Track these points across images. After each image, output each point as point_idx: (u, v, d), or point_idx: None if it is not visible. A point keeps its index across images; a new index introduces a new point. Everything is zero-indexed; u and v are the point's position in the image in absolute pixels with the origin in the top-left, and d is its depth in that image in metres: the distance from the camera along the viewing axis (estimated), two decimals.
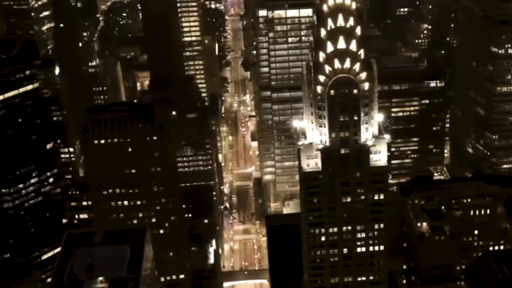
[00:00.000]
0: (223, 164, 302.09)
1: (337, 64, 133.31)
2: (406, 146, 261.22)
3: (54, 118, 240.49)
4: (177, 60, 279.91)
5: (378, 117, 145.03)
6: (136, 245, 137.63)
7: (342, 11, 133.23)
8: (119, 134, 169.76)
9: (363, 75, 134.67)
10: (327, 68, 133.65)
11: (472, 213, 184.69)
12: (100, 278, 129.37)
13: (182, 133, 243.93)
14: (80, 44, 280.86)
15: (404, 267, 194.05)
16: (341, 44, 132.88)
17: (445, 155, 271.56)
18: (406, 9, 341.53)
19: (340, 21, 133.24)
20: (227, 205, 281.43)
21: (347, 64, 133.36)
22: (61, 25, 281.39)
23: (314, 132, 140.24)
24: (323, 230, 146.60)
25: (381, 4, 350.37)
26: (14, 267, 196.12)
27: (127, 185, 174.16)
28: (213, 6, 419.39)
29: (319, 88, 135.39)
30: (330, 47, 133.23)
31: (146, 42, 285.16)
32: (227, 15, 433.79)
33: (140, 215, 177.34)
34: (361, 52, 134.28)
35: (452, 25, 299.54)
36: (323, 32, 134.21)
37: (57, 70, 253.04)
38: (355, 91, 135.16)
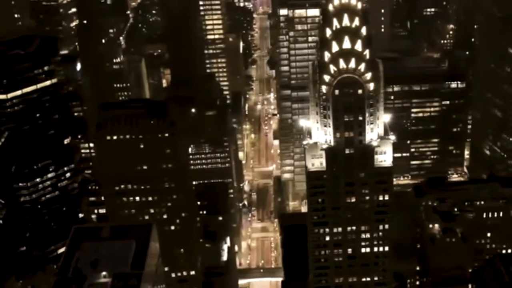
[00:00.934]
0: (244, 162, 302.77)
1: (342, 64, 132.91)
2: (426, 147, 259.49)
3: (75, 114, 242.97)
4: (198, 57, 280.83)
5: (385, 117, 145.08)
6: (142, 241, 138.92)
7: (347, 11, 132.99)
8: (131, 131, 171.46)
9: (368, 76, 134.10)
10: (332, 68, 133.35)
11: (485, 216, 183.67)
12: (104, 273, 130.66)
13: (200, 130, 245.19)
14: (103, 41, 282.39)
15: (418, 268, 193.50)
16: (346, 44, 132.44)
17: (466, 156, 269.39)
18: (432, 9, 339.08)
19: (346, 21, 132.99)
20: (245, 202, 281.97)
21: (352, 64, 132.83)
22: (85, 21, 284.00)
23: (319, 131, 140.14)
24: (327, 230, 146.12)
25: (407, 4, 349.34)
26: (29, 260, 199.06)
27: (139, 181, 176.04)
28: (241, 4, 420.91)
29: (324, 88, 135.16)
30: (335, 47, 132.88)
31: (167, 40, 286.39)
32: (255, 14, 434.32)
33: (152, 211, 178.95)
34: (367, 52, 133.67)
35: (476, 26, 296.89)
36: (328, 32, 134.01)
37: (78, 66, 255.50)
38: (360, 91, 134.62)
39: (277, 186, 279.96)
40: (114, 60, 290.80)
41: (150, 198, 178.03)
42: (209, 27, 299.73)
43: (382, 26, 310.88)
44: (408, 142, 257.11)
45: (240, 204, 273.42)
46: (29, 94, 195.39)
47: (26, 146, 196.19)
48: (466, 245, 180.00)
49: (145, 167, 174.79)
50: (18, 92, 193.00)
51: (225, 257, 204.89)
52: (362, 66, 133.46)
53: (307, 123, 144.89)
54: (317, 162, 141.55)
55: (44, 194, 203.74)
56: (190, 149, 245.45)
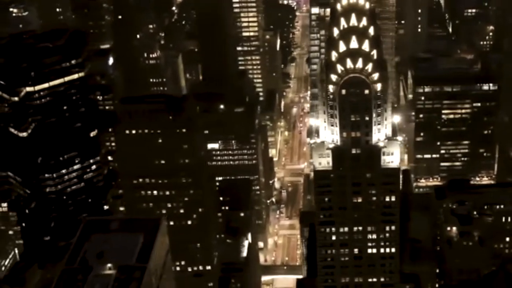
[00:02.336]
0: (276, 159, 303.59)
1: (349, 63, 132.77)
2: (456, 149, 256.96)
3: (107, 107, 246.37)
4: (230, 54, 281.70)
5: (396, 118, 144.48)
6: (150, 234, 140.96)
7: (355, 11, 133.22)
8: (149, 125, 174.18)
9: (376, 76, 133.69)
10: (339, 68, 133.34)
11: (504, 220, 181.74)
12: (109, 265, 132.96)
13: (228, 126, 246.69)
14: (138, 36, 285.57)
15: (437, 270, 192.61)
16: (354, 44, 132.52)
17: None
18: (473, 10, 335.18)
19: (353, 20, 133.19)
20: (273, 199, 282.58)
21: (359, 64, 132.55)
22: (120, 17, 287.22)
23: (326, 130, 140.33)
24: (333, 229, 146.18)
25: (449, 4, 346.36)
26: (53, 249, 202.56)
27: (157, 175, 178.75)
28: (285, 2, 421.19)
29: (331, 87, 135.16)
30: (342, 47, 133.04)
31: (199, 36, 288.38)
32: (298, 12, 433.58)
33: (169, 205, 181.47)
34: (374, 52, 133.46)
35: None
36: (335, 31, 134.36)
37: (111, 60, 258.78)
38: (367, 91, 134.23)
39: (306, 184, 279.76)
40: (151, 55, 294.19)
41: (167, 193, 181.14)
42: (244, 24, 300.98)
43: (419, 26, 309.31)
44: (438, 143, 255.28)
45: (268, 201, 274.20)
46: (57, 87, 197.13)
47: (52, 138, 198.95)
48: (483, 249, 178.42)
49: (162, 162, 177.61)
50: (46, 85, 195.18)
51: (244, 253, 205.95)
52: (369, 66, 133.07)
53: (316, 122, 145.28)
54: (324, 162, 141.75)
55: (70, 185, 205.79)
56: (217, 145, 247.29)
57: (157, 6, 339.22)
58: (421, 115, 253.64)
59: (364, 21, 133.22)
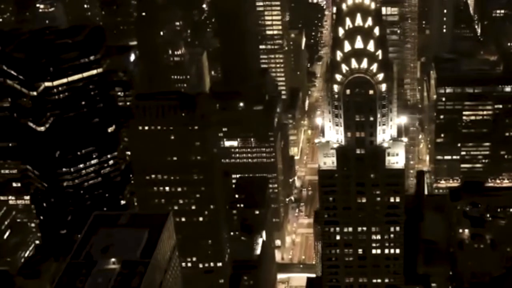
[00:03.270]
0: (297, 157, 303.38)
1: (354, 63, 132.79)
2: (477, 151, 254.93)
3: (128, 103, 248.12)
4: (252, 52, 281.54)
5: (402, 119, 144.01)
6: (156, 230, 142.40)
7: (360, 11, 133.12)
8: (162, 122, 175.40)
9: (381, 76, 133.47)
10: (344, 67, 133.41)
11: None
12: (113, 260, 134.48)
13: (247, 124, 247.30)
14: (162, 33, 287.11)
15: (451, 273, 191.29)
16: (359, 44, 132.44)
17: None
18: (502, 11, 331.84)
19: (358, 20, 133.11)
20: (292, 198, 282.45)
21: (364, 64, 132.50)
22: (143, 13, 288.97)
23: (331, 130, 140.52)
24: (338, 229, 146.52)
25: (477, 5, 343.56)
26: (68, 243, 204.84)
27: (169, 171, 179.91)
28: (314, 0, 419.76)
29: (335, 87, 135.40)
30: (347, 46, 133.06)
31: (220, 34, 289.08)
32: (327, 10, 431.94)
33: (181, 201, 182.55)
34: (379, 52, 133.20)
35: None
36: (341, 31, 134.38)
37: (132, 57, 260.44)
38: (371, 91, 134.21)
39: None
40: (175, 52, 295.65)
41: (179, 189, 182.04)
42: (268, 22, 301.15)
43: (444, 26, 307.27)
44: (459, 145, 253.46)
45: (287, 199, 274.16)
46: (75, 83, 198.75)
47: (70, 133, 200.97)
48: (495, 252, 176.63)
49: (175, 158, 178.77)
50: (64, 80, 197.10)
51: (258, 251, 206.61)
52: (374, 67, 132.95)
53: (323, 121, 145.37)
54: (329, 161, 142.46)
55: (87, 180, 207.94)
56: (235, 143, 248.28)
57: (187, 4, 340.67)
58: (442, 116, 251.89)
59: (369, 21, 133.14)
